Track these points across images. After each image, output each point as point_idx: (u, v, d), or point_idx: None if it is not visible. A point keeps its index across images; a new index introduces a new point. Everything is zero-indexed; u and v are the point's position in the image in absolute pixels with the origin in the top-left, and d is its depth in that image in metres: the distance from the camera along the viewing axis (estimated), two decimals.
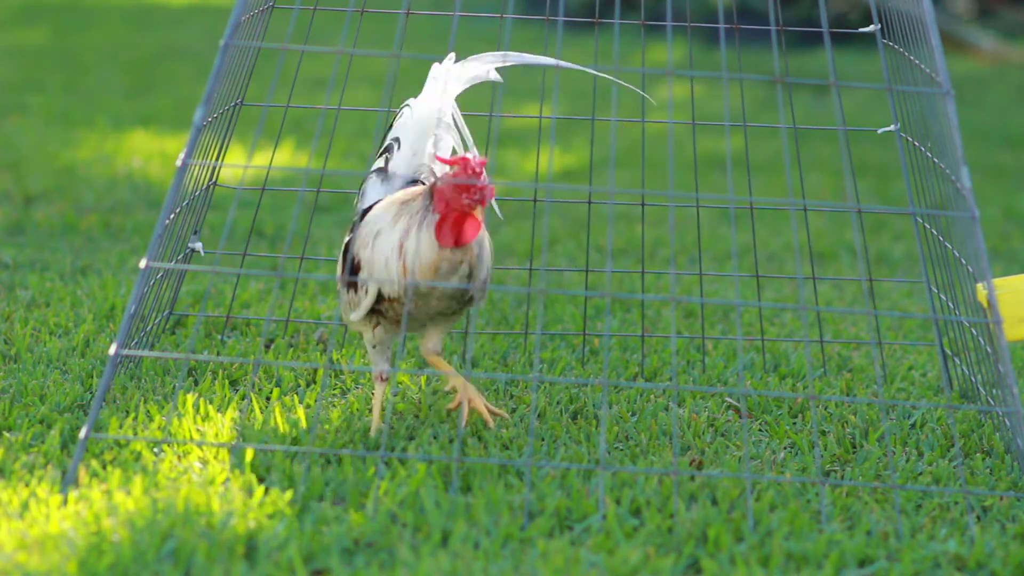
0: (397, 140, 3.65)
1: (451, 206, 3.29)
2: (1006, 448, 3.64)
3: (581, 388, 3.88)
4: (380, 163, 3.66)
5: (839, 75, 10.30)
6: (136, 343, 3.86)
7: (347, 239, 3.50)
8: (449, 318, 3.49)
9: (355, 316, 3.46)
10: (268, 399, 3.80)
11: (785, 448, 3.62)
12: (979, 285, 3.49)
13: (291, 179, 6.59)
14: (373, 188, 3.62)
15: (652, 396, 3.90)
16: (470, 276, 3.35)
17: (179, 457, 3.39)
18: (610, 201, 3.57)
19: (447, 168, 3.34)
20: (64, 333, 4.21)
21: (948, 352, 4.10)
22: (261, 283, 4.81)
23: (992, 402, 3.68)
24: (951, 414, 3.81)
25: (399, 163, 3.63)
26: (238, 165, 3.48)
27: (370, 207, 3.50)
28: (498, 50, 3.74)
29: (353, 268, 3.41)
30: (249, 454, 3.34)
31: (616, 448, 3.57)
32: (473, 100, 8.93)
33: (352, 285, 3.44)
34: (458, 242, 3.31)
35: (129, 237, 5.51)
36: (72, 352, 4.04)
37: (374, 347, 3.51)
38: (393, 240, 3.36)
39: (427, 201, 3.34)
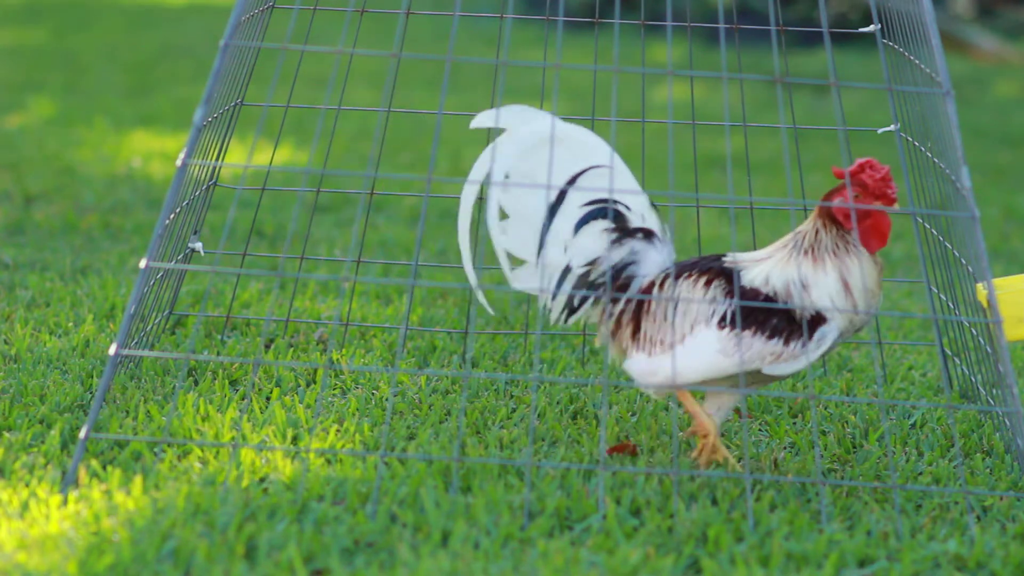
0: (616, 203, 3.52)
1: (877, 198, 3.37)
2: (1006, 448, 3.64)
3: (581, 388, 3.88)
4: (631, 225, 3.51)
5: (839, 75, 10.30)
6: (136, 343, 3.86)
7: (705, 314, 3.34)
8: None
9: (790, 369, 3.33)
10: (268, 399, 3.80)
11: (785, 448, 3.62)
12: (979, 285, 3.49)
13: (291, 179, 6.59)
14: (654, 252, 3.49)
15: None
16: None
17: (179, 457, 3.39)
18: (610, 201, 3.56)
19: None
20: (64, 333, 4.21)
21: (948, 352, 4.10)
22: (261, 283, 4.81)
23: (992, 402, 3.68)
24: (951, 414, 3.81)
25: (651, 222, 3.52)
26: (238, 165, 3.48)
27: (670, 273, 3.41)
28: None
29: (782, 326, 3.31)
30: (249, 454, 3.34)
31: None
32: (473, 100, 8.90)
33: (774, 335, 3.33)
34: (884, 240, 3.34)
35: (129, 237, 5.51)
36: (72, 352, 4.04)
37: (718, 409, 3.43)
38: (832, 281, 3.31)
39: (828, 234, 3.32)
